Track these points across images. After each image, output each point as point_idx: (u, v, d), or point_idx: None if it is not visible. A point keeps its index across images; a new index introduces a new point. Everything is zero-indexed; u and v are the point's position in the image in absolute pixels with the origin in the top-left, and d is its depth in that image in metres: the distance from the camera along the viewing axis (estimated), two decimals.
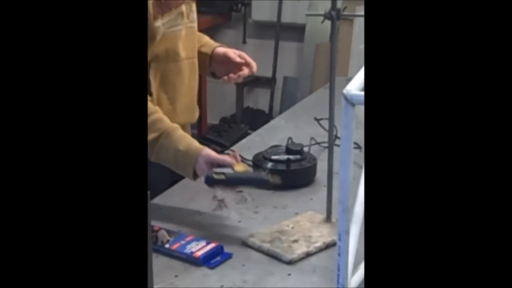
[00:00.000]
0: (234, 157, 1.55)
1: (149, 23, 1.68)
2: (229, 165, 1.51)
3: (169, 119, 1.69)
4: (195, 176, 1.55)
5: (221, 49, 1.85)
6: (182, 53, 1.76)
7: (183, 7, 1.79)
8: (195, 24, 1.88)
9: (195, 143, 1.59)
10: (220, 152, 1.74)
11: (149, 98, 1.67)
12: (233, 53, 1.81)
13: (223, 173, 1.49)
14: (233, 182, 1.52)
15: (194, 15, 1.85)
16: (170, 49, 1.70)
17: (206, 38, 1.95)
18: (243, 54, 1.81)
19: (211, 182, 1.49)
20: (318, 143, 1.93)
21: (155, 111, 1.63)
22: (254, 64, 1.79)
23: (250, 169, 1.67)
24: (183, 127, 1.84)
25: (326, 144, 1.66)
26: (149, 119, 1.59)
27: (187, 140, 1.58)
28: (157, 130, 1.59)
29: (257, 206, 1.60)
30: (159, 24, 1.71)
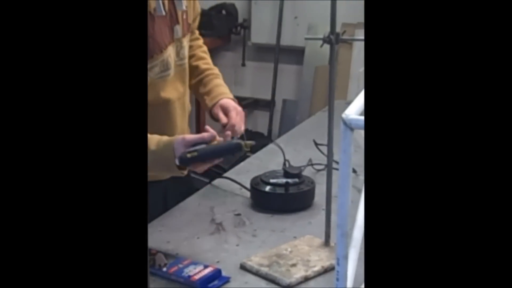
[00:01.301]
0: (211, 133, 1.54)
1: None
2: (207, 142, 1.51)
3: None
4: (180, 168, 1.54)
5: (215, 110, 1.80)
6: (172, 95, 1.74)
7: (170, 49, 1.75)
8: (186, 60, 1.85)
9: (164, 138, 1.58)
10: None
11: None
12: (222, 115, 1.76)
13: (196, 150, 1.49)
14: (207, 156, 1.51)
15: (185, 51, 1.82)
16: (158, 96, 1.68)
17: (212, 83, 1.91)
18: (233, 114, 1.76)
19: (185, 162, 1.50)
20: (312, 164, 1.94)
21: None
22: (238, 128, 1.72)
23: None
24: None
25: (325, 167, 1.67)
26: None
27: (154, 139, 1.58)
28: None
29: (255, 229, 1.60)
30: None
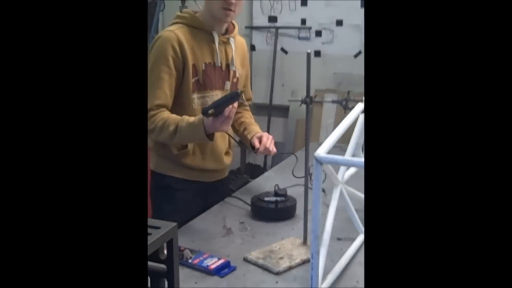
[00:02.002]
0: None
1: (188, 93, 1.71)
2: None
3: (200, 163, 1.80)
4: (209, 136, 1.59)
5: (253, 139, 1.83)
6: None
7: (219, 92, 1.77)
8: None
9: (196, 117, 1.63)
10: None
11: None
12: (257, 142, 1.80)
13: (212, 107, 1.52)
14: (220, 105, 1.52)
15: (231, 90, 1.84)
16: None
17: (251, 124, 1.95)
18: (264, 140, 1.80)
19: (205, 114, 1.53)
20: (293, 186, 1.93)
21: (166, 116, 1.66)
22: (269, 147, 1.79)
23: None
24: (213, 172, 1.89)
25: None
26: (163, 118, 1.64)
27: (187, 118, 1.64)
28: (173, 123, 1.63)
29: (254, 233, 1.60)
30: (194, 96, 1.72)
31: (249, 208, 1.77)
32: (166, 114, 1.65)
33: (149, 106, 1.64)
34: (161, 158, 1.82)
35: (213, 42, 1.75)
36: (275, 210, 1.71)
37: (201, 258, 1.38)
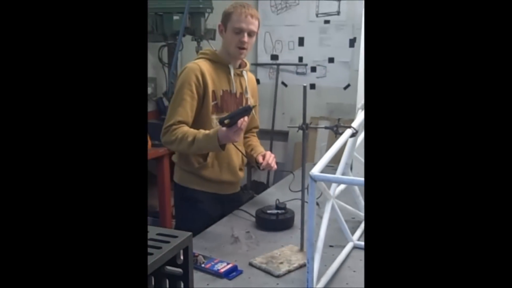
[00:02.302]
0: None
1: (208, 114, 1.75)
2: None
3: (217, 175, 1.83)
4: (222, 146, 1.62)
5: (257, 157, 1.87)
6: None
7: None
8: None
9: (211, 130, 1.66)
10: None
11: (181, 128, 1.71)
12: (261, 159, 1.85)
13: (227, 118, 1.54)
14: (234, 116, 1.55)
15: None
16: None
17: (257, 146, 1.99)
18: (267, 157, 1.84)
19: (221, 124, 1.56)
20: (292, 200, 1.93)
21: (186, 129, 1.70)
22: (271, 163, 1.83)
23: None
24: (228, 184, 1.91)
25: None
26: (183, 131, 1.68)
27: (203, 131, 1.67)
28: (191, 135, 1.66)
29: (258, 241, 1.60)
30: (213, 117, 1.77)
31: (253, 219, 1.77)
32: (186, 128, 1.70)
33: (172, 121, 1.70)
34: (184, 173, 1.86)
35: (230, 73, 1.82)
36: (276, 221, 1.70)
37: (212, 263, 1.38)
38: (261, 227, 1.71)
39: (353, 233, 1.58)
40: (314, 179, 1.07)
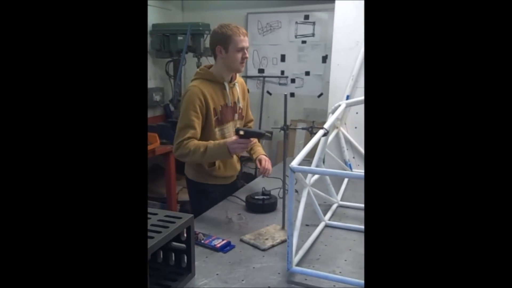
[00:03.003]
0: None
1: (212, 128, 1.72)
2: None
3: (223, 173, 1.82)
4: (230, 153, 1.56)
5: (256, 161, 1.84)
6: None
7: (231, 123, 1.80)
8: (242, 121, 1.89)
9: (222, 140, 1.61)
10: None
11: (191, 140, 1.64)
12: (259, 164, 1.81)
13: (244, 130, 1.51)
14: (249, 134, 1.52)
15: (238, 126, 1.84)
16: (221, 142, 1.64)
17: (257, 145, 1.94)
18: (263, 163, 1.81)
19: (237, 132, 1.53)
20: (276, 189, 1.94)
21: (197, 142, 1.64)
22: (267, 170, 1.80)
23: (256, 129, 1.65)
24: (231, 177, 1.91)
25: (282, 190, 1.66)
26: (194, 144, 1.62)
27: (215, 141, 1.62)
28: (203, 146, 1.61)
29: (248, 221, 1.59)
30: (216, 130, 1.73)
31: (244, 204, 1.76)
32: (196, 141, 1.65)
33: (182, 138, 1.64)
34: (196, 171, 1.84)
35: (225, 89, 1.77)
36: (262, 205, 1.70)
37: (210, 240, 1.37)
38: (250, 210, 1.71)
39: (325, 214, 1.59)
40: (293, 170, 1.08)
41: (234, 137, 1.55)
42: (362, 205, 1.73)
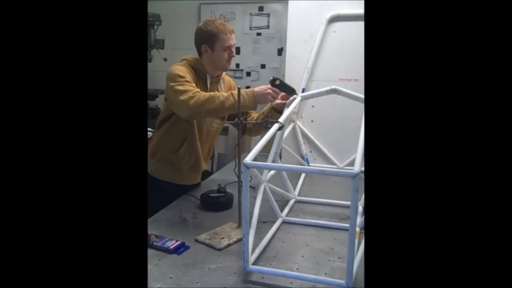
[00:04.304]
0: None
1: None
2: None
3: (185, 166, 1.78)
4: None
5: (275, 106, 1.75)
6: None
7: (213, 120, 1.81)
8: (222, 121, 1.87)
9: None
10: None
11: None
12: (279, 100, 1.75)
13: (280, 80, 1.50)
14: (282, 85, 1.53)
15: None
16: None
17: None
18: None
19: (273, 80, 1.52)
20: (231, 183, 1.92)
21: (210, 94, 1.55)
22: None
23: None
24: (191, 175, 1.87)
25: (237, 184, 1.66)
26: (211, 94, 1.54)
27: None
28: (222, 94, 1.54)
29: (203, 220, 1.57)
30: (195, 121, 1.72)
31: (199, 202, 1.74)
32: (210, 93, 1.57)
33: (192, 89, 1.54)
34: (154, 164, 1.80)
35: (206, 82, 1.74)
36: (218, 203, 1.68)
37: (163, 241, 1.34)
38: (205, 208, 1.68)
39: (282, 210, 1.60)
40: (247, 166, 1.07)
41: (265, 86, 1.52)
42: (319, 200, 1.76)
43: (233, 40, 1.70)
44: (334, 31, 2.22)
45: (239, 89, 1.40)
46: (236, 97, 1.50)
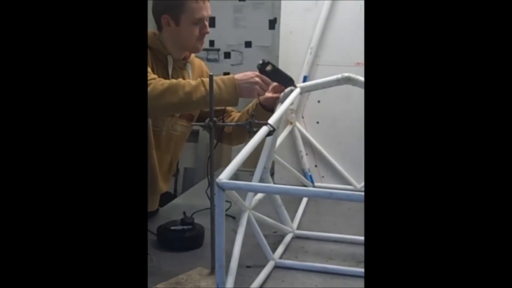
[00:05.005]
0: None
1: None
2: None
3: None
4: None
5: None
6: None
7: (176, 119, 1.84)
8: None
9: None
10: None
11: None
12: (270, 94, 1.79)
13: (273, 66, 1.55)
14: (275, 73, 1.58)
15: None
16: None
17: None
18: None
19: (262, 65, 1.59)
20: (201, 210, 1.92)
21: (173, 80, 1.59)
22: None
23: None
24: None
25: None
26: (171, 82, 1.56)
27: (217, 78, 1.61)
28: (189, 82, 1.57)
29: (160, 264, 1.56)
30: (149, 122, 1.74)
31: (155, 237, 1.73)
32: (172, 80, 1.59)
33: (149, 78, 1.56)
34: None
35: (167, 66, 1.74)
36: (182, 239, 1.68)
37: None
38: (164, 247, 1.67)
39: (274, 249, 1.59)
40: (221, 188, 1.06)
41: (250, 72, 1.55)
42: (328, 235, 1.76)
43: (207, 10, 1.71)
44: None
45: (211, 76, 1.39)
46: (208, 86, 1.50)
